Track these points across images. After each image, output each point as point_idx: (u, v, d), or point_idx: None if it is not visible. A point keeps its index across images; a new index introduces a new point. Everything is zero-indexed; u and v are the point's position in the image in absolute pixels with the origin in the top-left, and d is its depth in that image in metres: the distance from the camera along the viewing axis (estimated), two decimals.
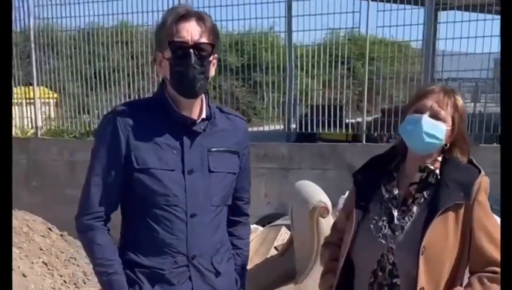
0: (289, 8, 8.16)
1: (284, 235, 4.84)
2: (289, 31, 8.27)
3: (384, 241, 2.08)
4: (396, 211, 2.11)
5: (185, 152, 2.10)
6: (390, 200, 2.13)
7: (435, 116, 2.07)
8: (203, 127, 2.15)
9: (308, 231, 3.46)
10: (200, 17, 2.08)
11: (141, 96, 8.42)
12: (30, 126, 9.23)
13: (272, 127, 8.69)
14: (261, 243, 4.94)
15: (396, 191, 2.14)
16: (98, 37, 9.05)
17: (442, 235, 2.01)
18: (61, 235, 6.34)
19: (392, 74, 8.15)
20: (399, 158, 2.20)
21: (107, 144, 2.08)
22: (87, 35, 9.18)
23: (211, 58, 2.11)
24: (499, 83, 8.13)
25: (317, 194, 3.56)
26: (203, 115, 2.16)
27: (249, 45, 9.28)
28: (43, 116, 9.23)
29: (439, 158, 2.13)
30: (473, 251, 2.06)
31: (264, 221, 6.11)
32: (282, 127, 8.61)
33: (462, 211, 2.04)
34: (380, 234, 2.10)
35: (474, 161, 2.14)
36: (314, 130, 7.52)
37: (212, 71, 2.16)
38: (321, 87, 8.54)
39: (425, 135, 2.06)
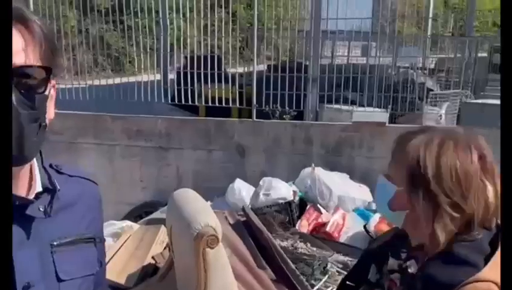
0: None
1: (163, 236, 4.20)
2: None
3: None
4: None
5: (14, 256, 1.18)
6: (375, 287, 1.55)
7: (388, 176, 1.48)
8: (42, 208, 1.25)
9: (191, 262, 2.84)
10: (22, 20, 1.16)
11: None
12: None
13: (150, 78, 7.81)
14: (137, 245, 4.27)
15: (382, 279, 1.53)
16: None
17: None
18: None
19: (275, 19, 7.57)
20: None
21: None
22: None
23: (47, 92, 1.19)
24: (378, 22, 7.79)
25: (203, 214, 2.88)
26: (38, 187, 1.27)
27: None
28: None
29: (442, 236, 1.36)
30: None
31: (139, 210, 5.40)
32: (158, 78, 7.81)
33: None
34: None
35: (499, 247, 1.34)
36: (195, 88, 6.77)
37: (52, 111, 1.26)
38: (199, 34, 7.76)
39: (379, 201, 1.57)
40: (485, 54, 8.25)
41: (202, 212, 2.97)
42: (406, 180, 1.39)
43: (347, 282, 1.69)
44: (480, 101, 6.64)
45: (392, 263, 1.51)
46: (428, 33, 8.18)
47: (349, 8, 6.93)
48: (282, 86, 6.17)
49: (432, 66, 8.05)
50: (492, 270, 1.30)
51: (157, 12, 7.86)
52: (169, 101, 7.13)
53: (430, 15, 8.79)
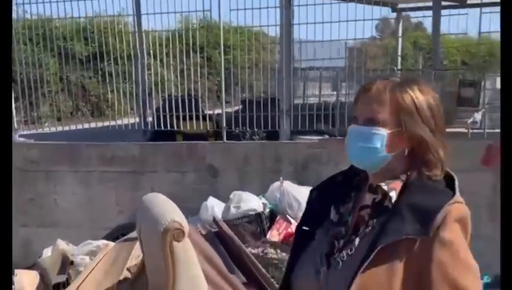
0: None
1: (138, 251, 4.27)
2: (138, 15, 7.63)
3: (316, 281, 1.62)
4: (341, 240, 1.63)
5: None
6: (339, 225, 1.66)
7: (370, 120, 1.61)
8: None
9: (160, 257, 2.94)
10: None
11: None
12: None
13: (129, 121, 7.98)
14: (112, 263, 4.33)
15: (349, 217, 1.66)
16: None
17: (383, 280, 1.51)
18: None
19: (249, 63, 7.82)
20: (361, 176, 1.73)
21: None
22: None
23: None
24: (355, 70, 8.07)
25: (169, 212, 3.03)
26: None
27: (97, 32, 8.47)
28: None
29: (403, 177, 1.63)
30: None
31: (116, 232, 5.47)
32: (137, 120, 7.99)
33: (416, 249, 1.51)
34: (314, 270, 1.63)
35: (456, 180, 1.64)
36: (174, 126, 6.93)
37: None
38: (176, 78, 8.00)
39: (357, 147, 1.65)
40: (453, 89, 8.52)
41: (169, 210, 3.10)
42: (409, 120, 1.59)
43: (303, 227, 1.78)
44: (449, 130, 6.84)
45: (368, 198, 1.67)
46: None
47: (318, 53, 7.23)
48: (257, 120, 6.38)
49: None
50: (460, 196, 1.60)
51: (135, 58, 8.07)
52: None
53: (399, 54, 9.15)
